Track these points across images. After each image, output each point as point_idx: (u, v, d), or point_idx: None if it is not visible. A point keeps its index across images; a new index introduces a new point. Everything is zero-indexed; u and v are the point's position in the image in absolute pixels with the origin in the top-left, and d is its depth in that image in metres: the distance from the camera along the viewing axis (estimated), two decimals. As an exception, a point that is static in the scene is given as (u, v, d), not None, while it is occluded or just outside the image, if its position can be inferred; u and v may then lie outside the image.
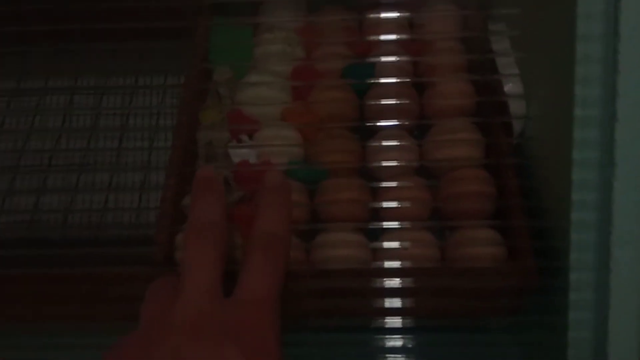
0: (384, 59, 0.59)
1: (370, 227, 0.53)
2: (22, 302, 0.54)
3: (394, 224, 0.53)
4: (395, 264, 0.51)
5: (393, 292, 0.51)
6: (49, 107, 0.61)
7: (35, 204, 0.58)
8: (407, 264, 0.51)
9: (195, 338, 0.31)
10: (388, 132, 0.57)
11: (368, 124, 0.57)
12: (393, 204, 0.53)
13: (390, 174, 0.55)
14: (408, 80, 0.58)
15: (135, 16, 0.53)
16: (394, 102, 0.57)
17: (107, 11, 0.55)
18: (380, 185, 0.54)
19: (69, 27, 0.54)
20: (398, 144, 0.56)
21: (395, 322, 0.53)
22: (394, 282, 0.50)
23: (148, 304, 0.35)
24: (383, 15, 0.60)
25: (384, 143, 0.56)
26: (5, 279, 0.53)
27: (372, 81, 0.58)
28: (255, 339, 0.31)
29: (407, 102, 0.57)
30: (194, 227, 0.36)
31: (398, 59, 0.59)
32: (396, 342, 0.52)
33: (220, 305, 0.33)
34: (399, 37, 0.60)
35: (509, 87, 0.56)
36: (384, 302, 0.52)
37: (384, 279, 0.50)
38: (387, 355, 0.52)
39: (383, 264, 0.51)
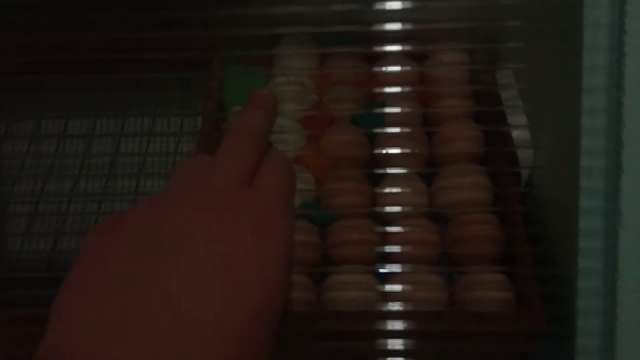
0: (394, 108, 0.60)
1: (380, 269, 0.54)
2: (39, 342, 0.54)
3: (403, 267, 0.54)
4: (404, 306, 0.52)
5: (402, 335, 0.52)
6: (68, 150, 0.63)
7: (54, 244, 0.59)
8: (416, 306, 0.52)
9: (212, 212, 0.31)
10: (398, 176, 0.58)
11: (378, 170, 0.58)
12: (402, 247, 0.54)
13: (400, 217, 0.57)
14: (417, 129, 0.60)
15: (152, 63, 0.55)
16: (403, 149, 0.58)
17: (125, 60, 0.56)
18: (390, 228, 0.56)
19: (88, 75, 0.56)
20: (408, 188, 0.57)
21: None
22: (403, 325, 0.51)
23: (176, 175, 0.35)
24: (394, 68, 0.62)
25: (394, 187, 0.57)
26: (23, 318, 0.54)
27: (382, 130, 0.59)
28: (268, 222, 0.32)
29: (416, 149, 0.59)
30: (237, 127, 0.36)
31: (408, 108, 0.61)
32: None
33: (242, 191, 0.33)
34: (409, 89, 0.61)
35: (517, 135, 0.57)
36: (393, 344, 0.52)
37: (393, 322, 0.51)
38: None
39: (392, 306, 0.52)
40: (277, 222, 0.32)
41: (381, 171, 0.58)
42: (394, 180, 0.58)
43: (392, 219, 0.57)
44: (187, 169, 0.35)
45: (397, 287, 0.53)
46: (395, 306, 0.52)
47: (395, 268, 0.54)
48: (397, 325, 0.51)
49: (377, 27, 0.59)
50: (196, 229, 0.30)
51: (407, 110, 0.60)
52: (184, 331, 0.28)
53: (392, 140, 0.59)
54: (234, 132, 0.36)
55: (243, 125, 0.36)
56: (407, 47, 0.60)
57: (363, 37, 0.62)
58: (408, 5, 0.57)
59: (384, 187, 0.57)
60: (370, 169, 0.58)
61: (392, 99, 0.61)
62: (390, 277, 0.54)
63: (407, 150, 0.58)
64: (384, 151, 0.59)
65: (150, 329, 0.28)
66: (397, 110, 0.60)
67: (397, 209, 0.56)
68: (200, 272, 0.29)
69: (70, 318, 0.30)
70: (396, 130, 0.59)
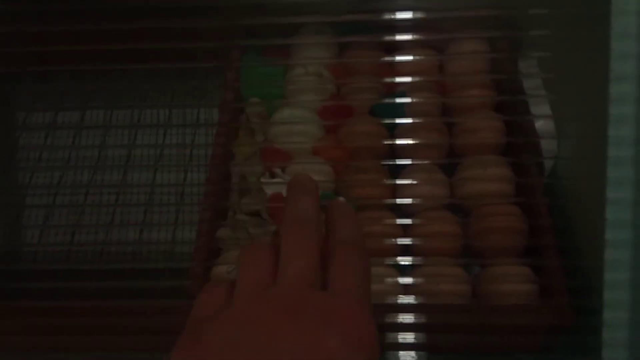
0: (413, 98, 0.59)
1: (402, 262, 0.53)
2: (58, 333, 0.54)
3: (424, 259, 0.53)
4: (427, 299, 0.51)
5: (424, 328, 0.51)
6: (85, 141, 0.62)
7: (72, 236, 0.58)
8: (439, 300, 0.51)
9: (296, 322, 0.30)
10: (418, 167, 0.57)
11: (398, 161, 0.57)
12: (423, 240, 0.54)
13: (420, 208, 0.56)
14: (438, 119, 0.59)
15: (170, 55, 0.55)
16: (423, 140, 0.57)
17: (143, 50, 0.56)
18: (411, 221, 0.55)
19: (105, 66, 0.55)
20: (428, 179, 0.56)
21: (426, 357, 0.53)
22: (425, 318, 0.50)
23: (243, 274, 0.33)
24: (413, 57, 0.61)
25: (415, 179, 0.56)
26: (41, 310, 0.54)
27: (402, 121, 0.59)
28: (357, 329, 0.31)
29: (436, 140, 0.58)
30: (292, 219, 0.34)
31: (428, 97, 0.60)
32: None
33: (321, 295, 0.32)
34: (428, 77, 0.60)
35: (540, 126, 0.56)
36: (416, 337, 0.52)
37: (416, 315, 0.51)
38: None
39: (414, 299, 0.52)
40: (364, 326, 0.31)
41: (401, 162, 0.57)
42: (414, 171, 0.57)
43: (413, 211, 0.56)
44: (249, 266, 0.33)
45: (417, 280, 0.52)
46: (418, 299, 0.52)
47: (417, 261, 0.53)
48: (419, 318, 0.50)
49: (397, 16, 0.58)
50: (285, 344, 0.29)
51: (427, 100, 0.59)
52: None
53: (412, 131, 0.58)
54: (291, 223, 0.34)
55: (297, 213, 0.34)
56: (427, 36, 0.59)
57: (382, 26, 0.61)
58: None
59: (404, 179, 0.57)
60: (390, 160, 0.57)
61: (412, 89, 0.60)
62: (411, 270, 0.53)
63: (427, 141, 0.58)
64: (403, 142, 0.58)
65: None
66: (416, 100, 0.59)
67: (417, 200, 0.56)
68: None
69: None
70: (416, 120, 0.58)
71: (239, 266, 0.33)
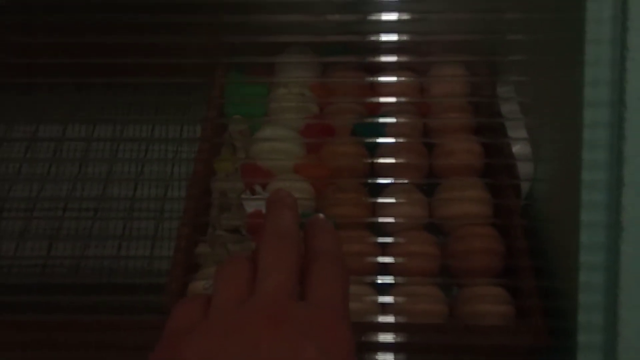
0: (394, 119, 0.60)
1: (379, 281, 0.54)
2: (32, 348, 0.54)
3: (402, 279, 0.53)
4: (403, 319, 0.52)
5: (400, 348, 0.51)
6: (66, 155, 0.62)
7: (49, 250, 0.58)
8: (415, 319, 0.51)
9: (274, 333, 0.30)
10: (397, 187, 0.58)
11: (378, 181, 0.58)
12: (401, 259, 0.54)
13: (399, 228, 0.56)
14: (417, 140, 0.60)
15: (154, 70, 0.55)
16: (403, 160, 0.58)
17: (127, 65, 0.56)
18: (389, 240, 0.55)
19: (89, 80, 0.55)
20: (408, 199, 0.57)
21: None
22: (402, 338, 0.50)
23: (219, 288, 0.33)
24: (394, 79, 0.62)
25: (394, 198, 0.57)
26: (15, 324, 0.53)
27: (382, 140, 0.59)
28: (333, 339, 0.31)
29: (416, 160, 0.59)
30: (270, 232, 0.34)
31: (408, 119, 0.61)
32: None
33: (299, 306, 0.32)
34: (409, 99, 0.61)
35: (518, 149, 0.57)
36: (394, 356, 0.52)
37: (392, 334, 0.51)
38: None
39: (390, 318, 0.52)
40: (341, 336, 0.31)
41: (381, 181, 0.58)
42: (393, 191, 0.58)
43: (391, 231, 0.56)
44: (227, 280, 0.33)
45: (395, 299, 0.53)
46: (396, 318, 0.52)
47: (395, 280, 0.53)
48: (397, 337, 0.50)
49: (379, 38, 0.59)
50: (263, 355, 0.30)
51: (407, 121, 0.60)
52: None
53: (392, 151, 0.59)
54: (269, 237, 0.34)
55: (276, 227, 0.34)
56: (408, 59, 0.60)
57: (364, 49, 0.62)
58: (411, 16, 0.57)
59: (384, 198, 0.57)
60: (370, 180, 0.58)
61: (393, 111, 0.61)
62: (388, 289, 0.54)
63: (407, 162, 0.58)
64: (384, 161, 0.59)
65: None
66: (397, 121, 0.60)
67: (396, 220, 0.56)
68: None
69: None
70: (396, 141, 0.59)
71: (215, 279, 0.33)
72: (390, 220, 0.56)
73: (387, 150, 0.59)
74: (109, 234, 0.59)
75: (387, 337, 0.51)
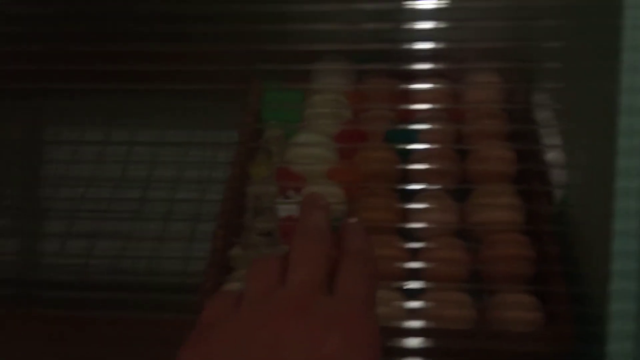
0: (427, 125, 0.61)
1: (408, 286, 0.54)
2: (72, 342, 0.56)
3: (431, 284, 0.53)
4: (431, 324, 0.52)
5: (428, 353, 0.51)
6: (109, 158, 0.65)
7: (89, 249, 0.60)
8: (443, 325, 0.51)
9: (300, 323, 0.31)
10: (429, 194, 0.58)
11: (410, 186, 0.58)
12: (431, 264, 0.54)
13: (430, 234, 0.57)
14: (450, 146, 0.60)
15: (194, 77, 0.57)
16: (436, 166, 0.58)
17: (168, 72, 0.58)
18: (420, 245, 0.56)
19: (131, 86, 0.58)
20: (439, 205, 0.57)
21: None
22: (430, 343, 0.51)
23: (251, 282, 0.34)
24: (427, 85, 0.63)
25: (425, 204, 0.57)
26: (57, 319, 0.55)
27: (414, 146, 0.60)
28: (358, 330, 0.32)
29: (448, 167, 0.59)
30: (302, 229, 0.36)
31: (441, 126, 0.61)
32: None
33: (326, 298, 0.33)
34: (443, 105, 0.62)
35: (551, 156, 0.57)
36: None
37: (420, 339, 0.51)
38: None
39: (419, 323, 0.52)
40: (366, 328, 0.32)
41: (412, 187, 0.58)
42: (425, 197, 0.58)
43: (422, 236, 0.57)
44: (257, 275, 0.34)
45: (424, 304, 0.53)
46: (424, 323, 0.52)
47: (424, 285, 0.53)
48: (424, 342, 0.50)
49: (412, 46, 0.59)
50: (288, 344, 0.31)
51: (440, 128, 0.61)
52: None
53: (425, 157, 0.59)
54: (300, 233, 0.35)
55: (308, 225, 0.36)
56: (442, 66, 0.61)
57: (397, 56, 0.62)
58: (445, 24, 0.57)
59: (415, 204, 0.57)
60: (402, 185, 0.58)
61: (426, 117, 0.61)
62: (418, 294, 0.54)
63: (439, 168, 0.58)
64: (415, 167, 0.59)
65: None
66: (430, 127, 0.60)
67: (427, 226, 0.56)
68: None
69: None
70: (429, 147, 0.59)
71: (247, 275, 0.35)
72: (421, 225, 0.57)
73: (419, 156, 0.60)
74: (148, 235, 0.61)
75: (415, 342, 0.51)
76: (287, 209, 0.58)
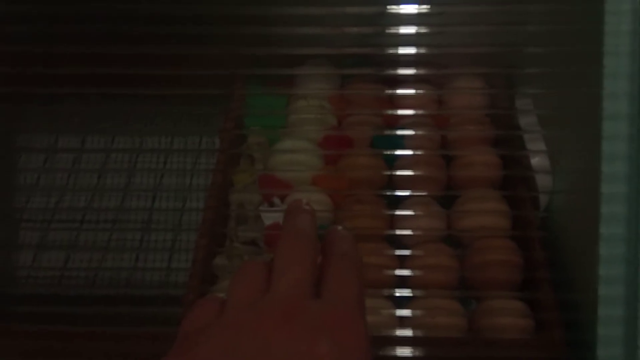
0: (412, 131, 0.60)
1: (397, 294, 0.53)
2: (48, 358, 0.54)
3: (420, 292, 0.53)
4: (421, 332, 0.51)
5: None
6: (85, 165, 0.63)
7: (66, 260, 0.58)
8: (433, 333, 0.51)
9: (288, 328, 0.30)
10: (416, 200, 0.58)
11: (396, 193, 0.58)
12: (419, 272, 0.54)
13: (417, 241, 0.56)
14: (435, 152, 0.60)
15: (173, 81, 0.55)
16: (421, 173, 0.58)
17: (145, 76, 0.56)
18: (407, 253, 0.55)
19: (107, 91, 0.56)
20: (426, 212, 0.57)
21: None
22: (420, 351, 0.50)
23: (235, 288, 0.34)
24: (412, 91, 0.62)
25: (412, 211, 0.57)
26: (32, 334, 0.53)
27: (400, 152, 0.59)
28: (347, 334, 0.31)
29: (434, 173, 0.59)
30: (287, 233, 0.35)
31: (427, 132, 0.61)
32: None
33: (314, 302, 0.32)
34: (427, 111, 0.61)
35: (536, 161, 0.57)
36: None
37: (410, 348, 0.50)
38: None
39: (408, 331, 0.52)
40: (355, 332, 0.31)
41: (399, 194, 0.58)
42: (411, 204, 0.58)
43: (410, 243, 0.56)
44: (242, 280, 0.34)
45: (413, 312, 0.52)
46: (413, 332, 0.52)
47: (412, 293, 0.53)
48: (415, 351, 0.50)
49: (397, 51, 0.59)
50: (277, 350, 0.30)
51: (425, 134, 0.60)
52: None
53: (411, 163, 0.59)
54: (285, 237, 0.34)
55: (293, 229, 0.35)
56: (427, 72, 0.61)
57: (382, 61, 0.62)
58: (429, 29, 0.57)
59: (402, 211, 0.57)
60: (388, 192, 0.58)
61: (411, 123, 0.61)
62: (407, 302, 0.53)
63: (425, 174, 0.58)
64: (402, 174, 0.59)
65: None
66: (415, 133, 0.60)
67: (414, 232, 0.56)
68: None
69: None
70: (415, 153, 0.59)
71: (231, 282, 0.34)
72: (409, 232, 0.56)
73: (405, 162, 0.59)
74: (127, 245, 0.60)
75: (405, 351, 0.50)
76: (272, 216, 0.57)
